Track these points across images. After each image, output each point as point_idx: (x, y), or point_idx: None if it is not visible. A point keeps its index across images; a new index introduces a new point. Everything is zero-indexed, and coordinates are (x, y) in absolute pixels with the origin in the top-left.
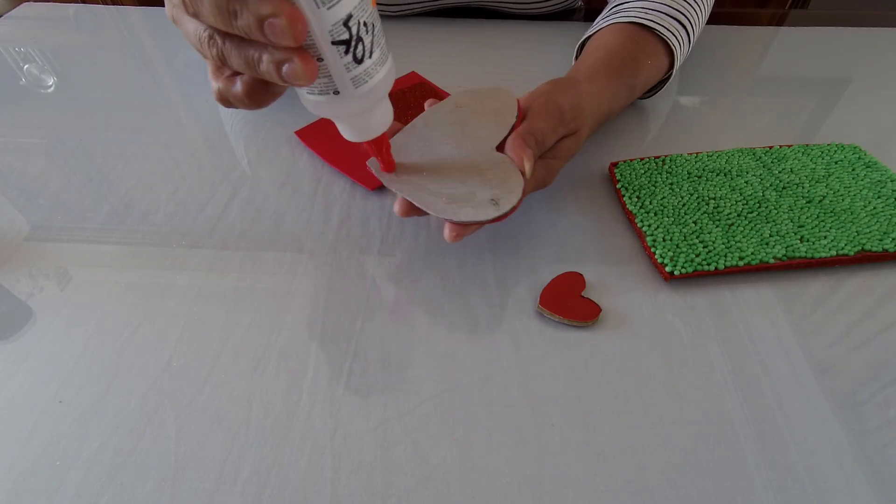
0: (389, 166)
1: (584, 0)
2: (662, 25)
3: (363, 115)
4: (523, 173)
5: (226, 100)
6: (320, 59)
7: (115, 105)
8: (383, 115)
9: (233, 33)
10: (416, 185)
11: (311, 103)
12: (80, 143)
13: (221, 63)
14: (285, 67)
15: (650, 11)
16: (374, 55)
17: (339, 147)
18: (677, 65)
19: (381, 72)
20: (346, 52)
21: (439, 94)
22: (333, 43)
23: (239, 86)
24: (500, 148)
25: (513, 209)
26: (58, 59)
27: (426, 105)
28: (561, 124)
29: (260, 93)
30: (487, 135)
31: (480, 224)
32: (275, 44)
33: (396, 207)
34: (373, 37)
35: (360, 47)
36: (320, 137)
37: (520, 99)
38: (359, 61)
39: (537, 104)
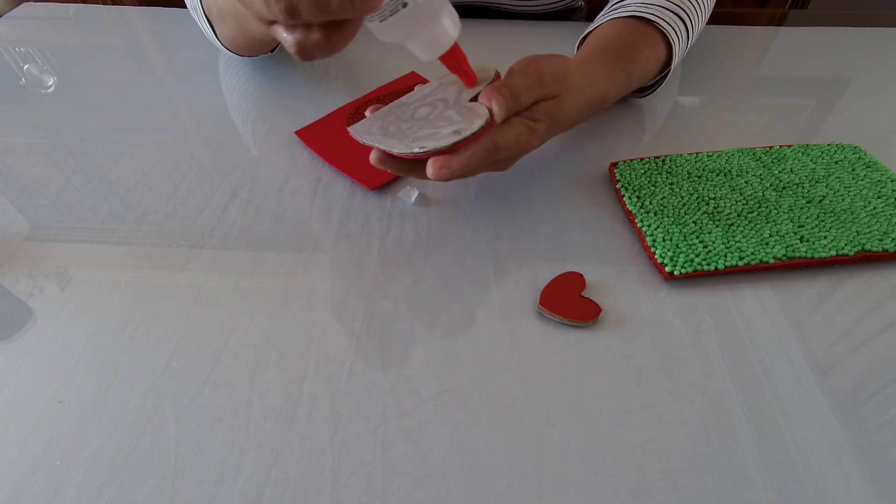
0: (471, 79)
1: (584, 0)
2: (661, 18)
3: (434, 24)
4: (492, 114)
5: (306, 50)
6: None
7: (115, 105)
8: (452, 21)
9: None
10: (387, 136)
11: (384, 29)
12: (80, 143)
13: (291, 16)
14: None
15: (650, 6)
16: None
17: (339, 147)
18: (676, 59)
19: None
20: None
21: None
22: None
23: (317, 32)
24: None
25: (475, 136)
26: (58, 59)
27: (416, 87)
28: (539, 84)
29: (337, 33)
30: (463, 95)
31: (444, 152)
32: None
33: (372, 156)
34: None
35: None
36: (320, 137)
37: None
38: None
39: (517, 66)
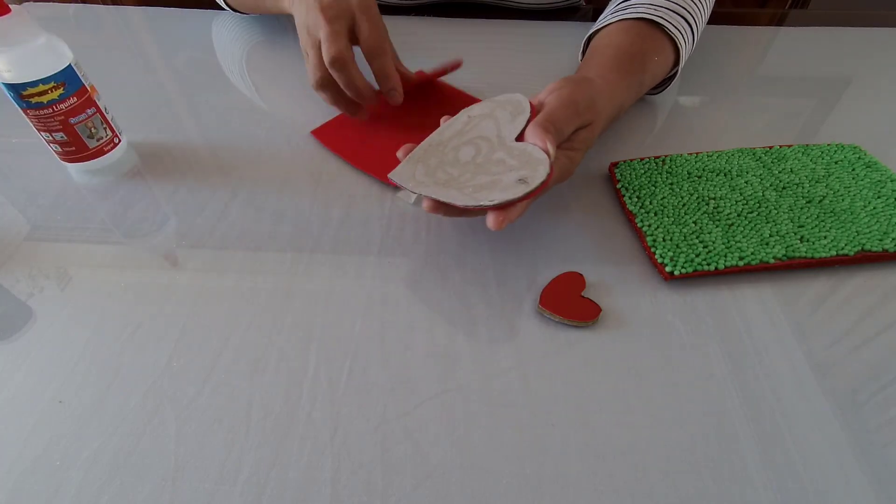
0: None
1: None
2: (670, 22)
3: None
4: (548, 154)
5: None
6: None
7: (115, 105)
8: None
9: None
10: (440, 184)
11: None
12: None
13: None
14: None
15: (658, 8)
16: None
17: (358, 144)
18: (682, 62)
19: None
20: None
21: (447, 90)
22: None
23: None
24: (520, 140)
25: (543, 185)
26: None
27: (441, 121)
28: (576, 115)
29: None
30: (503, 133)
31: (514, 203)
32: None
33: (425, 204)
34: None
35: None
36: (338, 136)
37: (532, 98)
38: None
39: (551, 98)
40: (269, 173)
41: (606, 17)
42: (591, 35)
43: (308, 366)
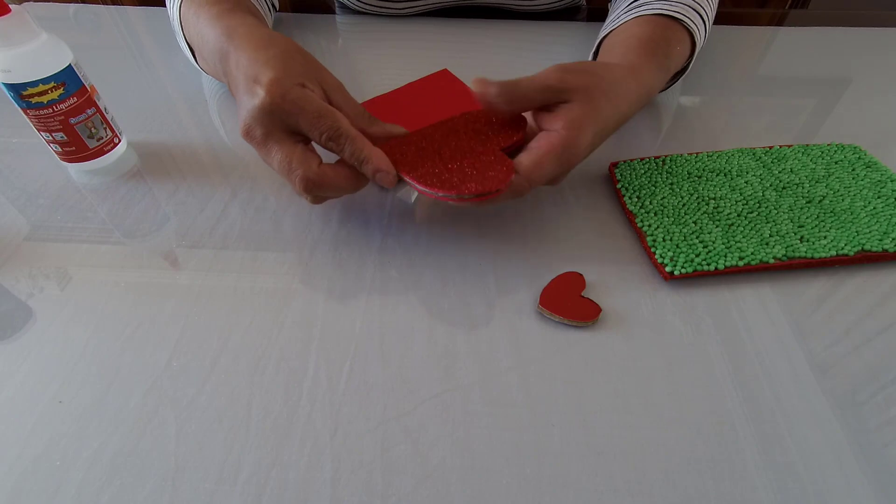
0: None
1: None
2: (687, 17)
3: None
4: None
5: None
6: None
7: (114, 105)
8: None
9: None
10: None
11: None
12: None
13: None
14: None
15: (674, 4)
16: None
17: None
18: (695, 56)
19: None
20: None
21: (454, 87)
22: None
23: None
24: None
25: (485, 197)
26: None
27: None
28: (566, 163)
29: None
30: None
31: (463, 201)
32: None
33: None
34: None
35: None
36: None
37: (551, 81)
38: None
39: (554, 140)
40: (269, 173)
41: (619, 16)
42: (603, 37)
43: (308, 366)
